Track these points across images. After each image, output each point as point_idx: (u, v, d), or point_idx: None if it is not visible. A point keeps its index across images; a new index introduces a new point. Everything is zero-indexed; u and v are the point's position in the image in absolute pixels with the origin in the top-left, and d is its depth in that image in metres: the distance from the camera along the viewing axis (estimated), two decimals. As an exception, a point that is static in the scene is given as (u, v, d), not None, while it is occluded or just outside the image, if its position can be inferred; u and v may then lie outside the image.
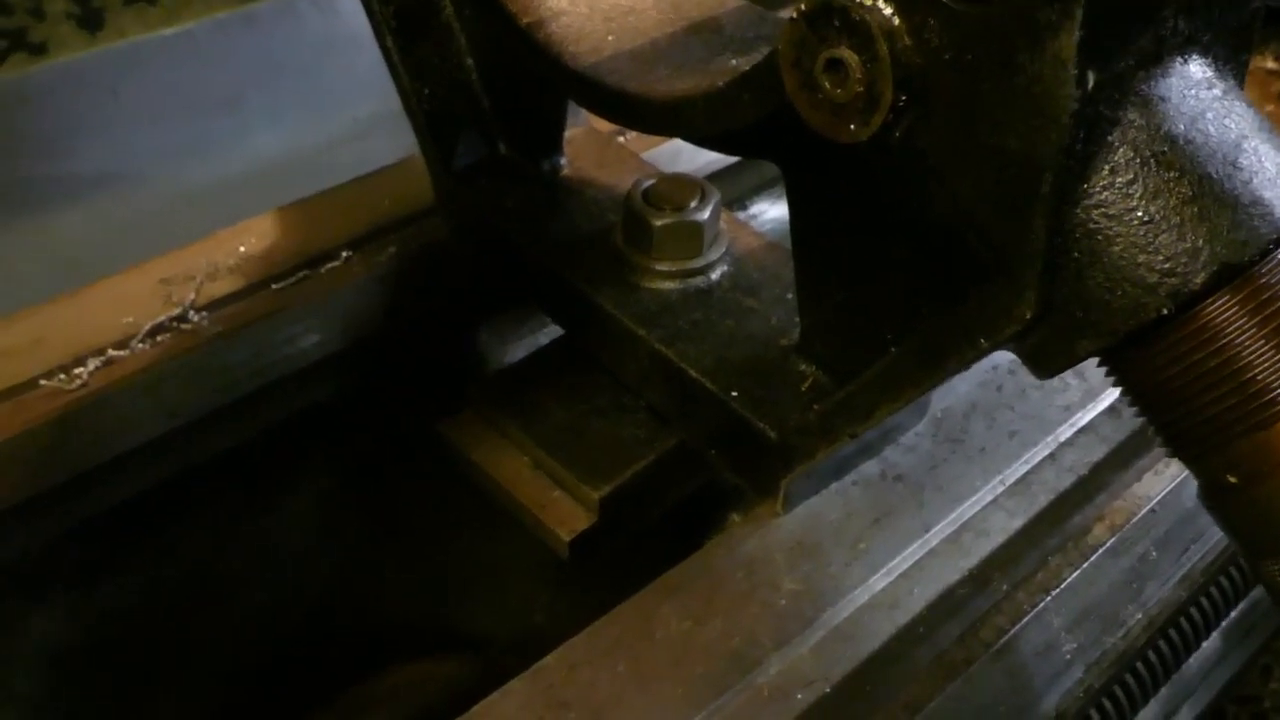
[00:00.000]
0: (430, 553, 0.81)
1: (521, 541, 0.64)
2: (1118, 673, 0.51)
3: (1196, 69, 0.36)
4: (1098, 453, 0.56)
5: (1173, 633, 0.55)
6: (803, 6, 0.38)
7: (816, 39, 0.38)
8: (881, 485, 0.56)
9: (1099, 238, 0.35)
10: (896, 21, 0.36)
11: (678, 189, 0.60)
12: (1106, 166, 0.35)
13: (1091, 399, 0.59)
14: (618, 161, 0.67)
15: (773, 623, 0.50)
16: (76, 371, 0.61)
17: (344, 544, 0.80)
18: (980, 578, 0.51)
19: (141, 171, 1.21)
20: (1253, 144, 0.36)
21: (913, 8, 0.36)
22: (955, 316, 0.41)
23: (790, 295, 0.56)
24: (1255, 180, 0.35)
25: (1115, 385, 0.40)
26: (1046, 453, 0.57)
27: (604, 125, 0.69)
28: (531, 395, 0.64)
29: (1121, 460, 0.56)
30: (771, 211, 0.85)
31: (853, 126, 0.39)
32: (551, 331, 0.71)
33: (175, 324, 0.64)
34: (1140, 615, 0.51)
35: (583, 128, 0.69)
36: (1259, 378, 0.35)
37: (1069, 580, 0.50)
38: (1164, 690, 0.58)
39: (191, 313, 0.64)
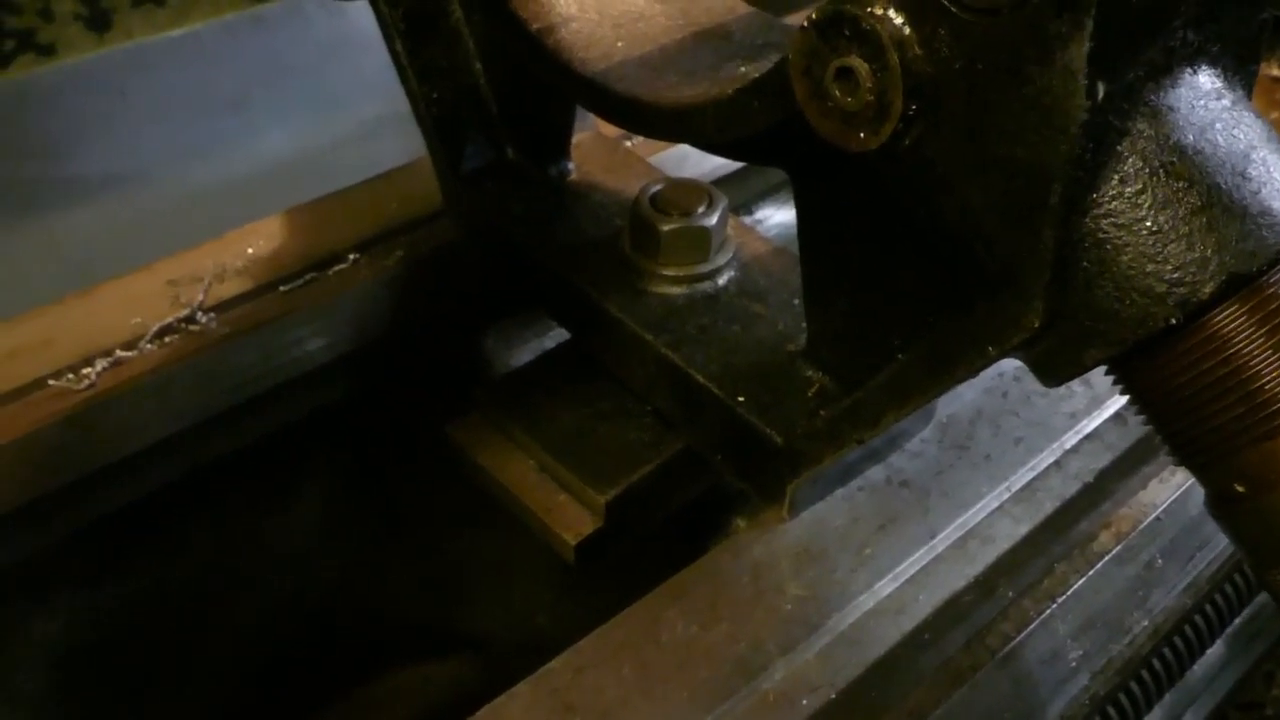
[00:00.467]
0: (435, 554, 0.82)
1: (527, 543, 0.64)
2: (1123, 680, 0.51)
3: (1205, 80, 0.36)
4: (1103, 460, 0.56)
5: (1177, 640, 0.55)
6: (814, 15, 0.39)
7: (827, 48, 0.39)
8: (887, 491, 0.56)
9: (1108, 247, 0.36)
10: (907, 31, 0.36)
11: (685, 194, 0.60)
12: (1116, 176, 0.35)
13: (1097, 406, 0.59)
14: (625, 166, 0.68)
15: (778, 628, 0.50)
16: (85, 372, 0.61)
17: (349, 545, 0.80)
18: (986, 584, 0.51)
19: (148, 172, 1.22)
20: (1261, 154, 0.36)
21: (923, 17, 0.36)
22: (963, 324, 0.41)
23: (797, 301, 0.56)
24: (1264, 191, 0.35)
25: (1123, 394, 0.40)
26: (1052, 460, 0.57)
27: (611, 130, 0.69)
28: (538, 399, 0.64)
29: (1127, 468, 0.56)
30: (777, 216, 0.85)
31: (862, 135, 0.39)
32: (558, 335, 0.72)
33: (183, 325, 0.64)
34: (1146, 623, 0.51)
35: (590, 132, 0.69)
36: (1267, 387, 0.35)
37: (1075, 587, 0.50)
38: (1168, 697, 0.58)
39: (199, 314, 0.65)
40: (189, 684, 0.74)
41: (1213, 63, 0.36)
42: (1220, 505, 0.38)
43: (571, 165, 0.68)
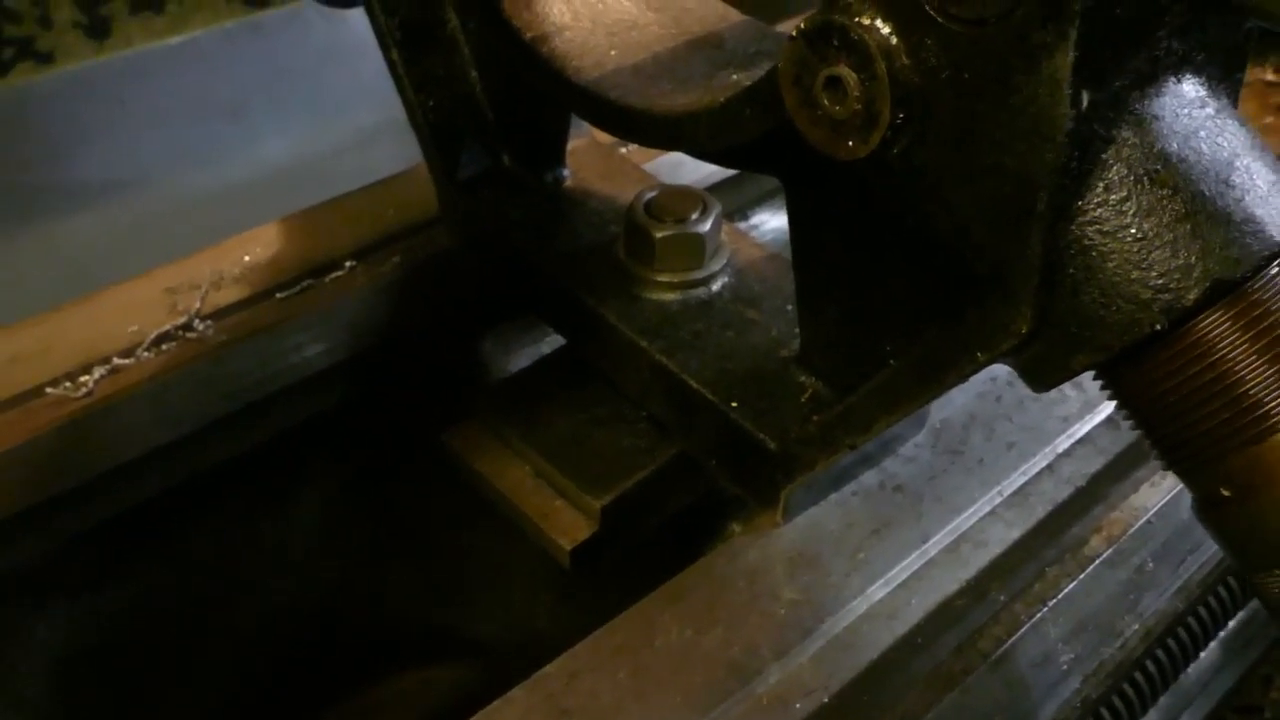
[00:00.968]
0: (434, 559, 0.82)
1: (525, 547, 0.64)
2: (1115, 683, 0.51)
3: (1190, 88, 0.37)
4: (1095, 464, 0.57)
5: (1170, 643, 0.55)
6: (803, 25, 0.39)
7: (816, 57, 0.39)
8: (881, 496, 0.56)
9: (1094, 254, 0.36)
10: (895, 41, 0.37)
11: (679, 201, 0.60)
12: (1101, 184, 0.36)
13: (1089, 410, 0.59)
14: (620, 173, 0.68)
15: (772, 632, 0.50)
16: (83, 379, 0.62)
17: (349, 550, 0.80)
18: (978, 589, 0.51)
19: (147, 178, 1.22)
20: (1245, 162, 0.36)
21: (910, 28, 0.36)
22: (953, 331, 0.41)
23: (791, 307, 0.57)
24: (1247, 198, 0.36)
25: (1111, 399, 0.40)
26: (1044, 464, 0.57)
27: (606, 137, 0.69)
28: (534, 405, 0.64)
29: (1119, 472, 0.56)
30: (772, 222, 0.86)
31: (851, 143, 0.39)
32: (554, 341, 0.72)
33: (181, 332, 0.65)
34: (1137, 626, 0.52)
35: (585, 139, 0.70)
36: (1252, 393, 0.36)
37: (1066, 591, 0.50)
38: (1163, 699, 0.58)
39: (197, 321, 0.65)
40: (189, 688, 0.74)
41: (1198, 71, 0.37)
42: (1207, 509, 0.39)
43: (567, 172, 0.68)
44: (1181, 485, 0.40)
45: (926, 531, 0.54)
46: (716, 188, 0.76)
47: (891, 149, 0.39)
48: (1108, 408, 0.59)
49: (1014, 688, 0.49)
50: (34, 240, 1.15)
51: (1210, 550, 0.57)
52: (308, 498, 0.75)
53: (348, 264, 0.70)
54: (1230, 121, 0.37)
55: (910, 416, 0.57)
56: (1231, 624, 0.64)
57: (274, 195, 1.31)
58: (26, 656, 0.68)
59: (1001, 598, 0.50)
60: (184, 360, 0.63)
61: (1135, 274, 0.35)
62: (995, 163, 0.36)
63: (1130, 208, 0.35)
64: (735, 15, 0.57)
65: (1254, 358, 0.36)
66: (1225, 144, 0.36)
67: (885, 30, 0.37)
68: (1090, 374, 0.40)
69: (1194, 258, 0.35)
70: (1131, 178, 0.35)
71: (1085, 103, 0.34)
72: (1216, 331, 0.36)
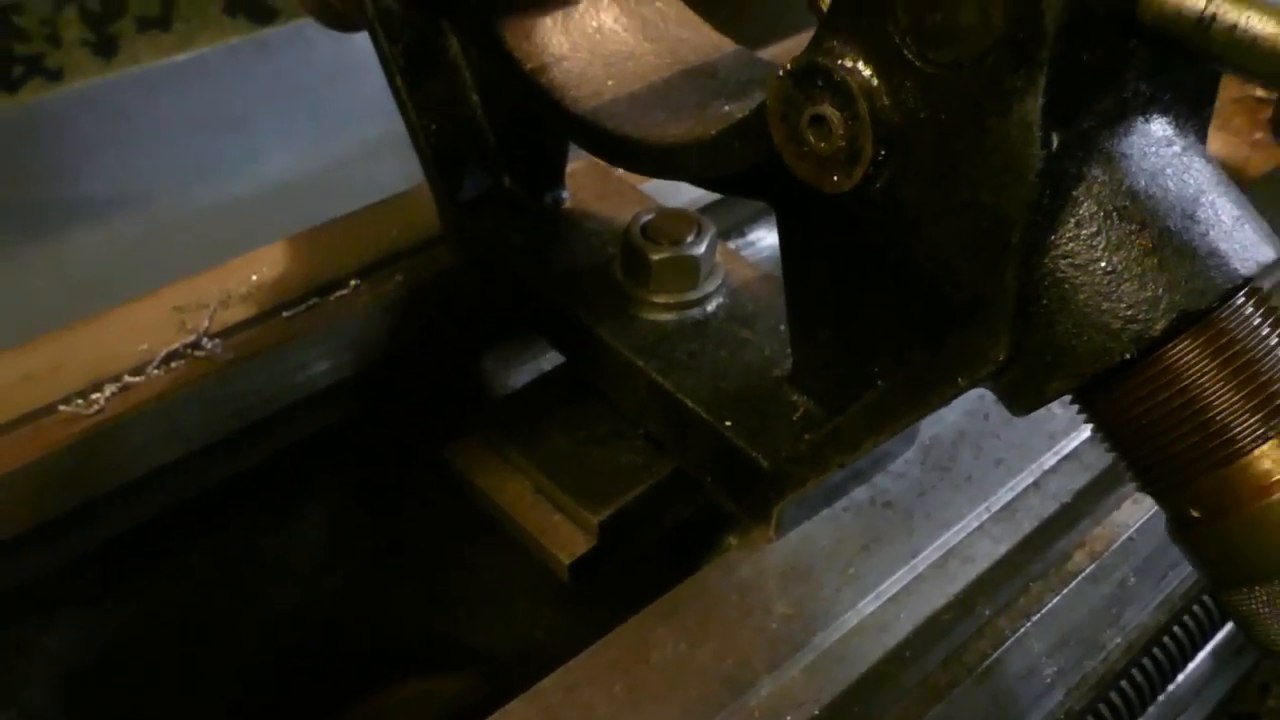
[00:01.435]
0: (436, 571, 0.84)
1: (525, 561, 0.66)
2: (1098, 695, 0.53)
3: (1158, 127, 0.38)
4: (1080, 480, 0.58)
5: (1156, 653, 0.57)
6: (789, 65, 0.41)
7: (802, 96, 0.41)
8: (871, 511, 0.58)
9: (1066, 286, 0.38)
10: (875, 82, 0.39)
11: (675, 224, 0.62)
12: (1072, 220, 0.37)
13: (1076, 427, 0.61)
14: (618, 194, 0.70)
15: (765, 645, 0.52)
16: (94, 397, 0.64)
17: (352, 563, 0.82)
18: (965, 603, 0.53)
19: (153, 193, 1.24)
20: (1210, 198, 0.38)
21: (890, 70, 0.38)
22: (935, 356, 0.43)
23: (783, 326, 0.58)
24: (1212, 233, 0.37)
25: (1086, 422, 0.42)
26: (1031, 480, 0.59)
27: (605, 159, 0.71)
28: (533, 421, 0.66)
29: (1103, 487, 0.58)
30: (769, 239, 0.87)
31: (836, 178, 0.41)
32: (554, 358, 0.74)
33: (189, 351, 0.67)
34: (1119, 640, 0.53)
35: (584, 161, 0.72)
36: (1219, 418, 0.37)
37: (1050, 605, 0.52)
38: (1151, 710, 0.60)
39: (205, 340, 0.67)
40: (193, 696, 0.76)
41: (1165, 110, 0.39)
42: (1179, 530, 0.40)
43: (566, 193, 0.70)
44: (1159, 503, 0.42)
45: (916, 547, 0.56)
46: (713, 206, 0.78)
47: (874, 184, 0.41)
48: (1091, 426, 0.62)
49: (999, 700, 0.50)
50: (42, 254, 1.18)
51: (1190, 565, 0.58)
52: (312, 512, 0.77)
53: (352, 283, 0.72)
54: (1196, 159, 0.39)
55: (900, 434, 0.59)
56: (1221, 634, 0.66)
57: (278, 209, 1.34)
58: (35, 668, 0.70)
59: (987, 612, 0.52)
60: (193, 378, 0.65)
61: (1105, 305, 0.37)
62: (972, 199, 0.38)
63: (1100, 242, 0.37)
64: (728, 45, 0.59)
65: (1220, 385, 0.37)
66: (1191, 180, 0.38)
67: (866, 72, 0.39)
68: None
69: (1161, 290, 0.37)
70: (1101, 214, 0.37)
71: (1055, 143, 0.36)
72: (1184, 360, 0.37)
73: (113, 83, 1.18)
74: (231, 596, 0.75)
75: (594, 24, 0.59)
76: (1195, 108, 0.40)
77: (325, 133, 1.29)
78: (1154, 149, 0.38)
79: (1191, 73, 0.39)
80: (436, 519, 0.80)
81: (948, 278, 0.41)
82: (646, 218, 0.63)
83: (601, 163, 0.72)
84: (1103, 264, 0.37)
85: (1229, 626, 0.66)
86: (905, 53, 0.37)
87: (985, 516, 0.57)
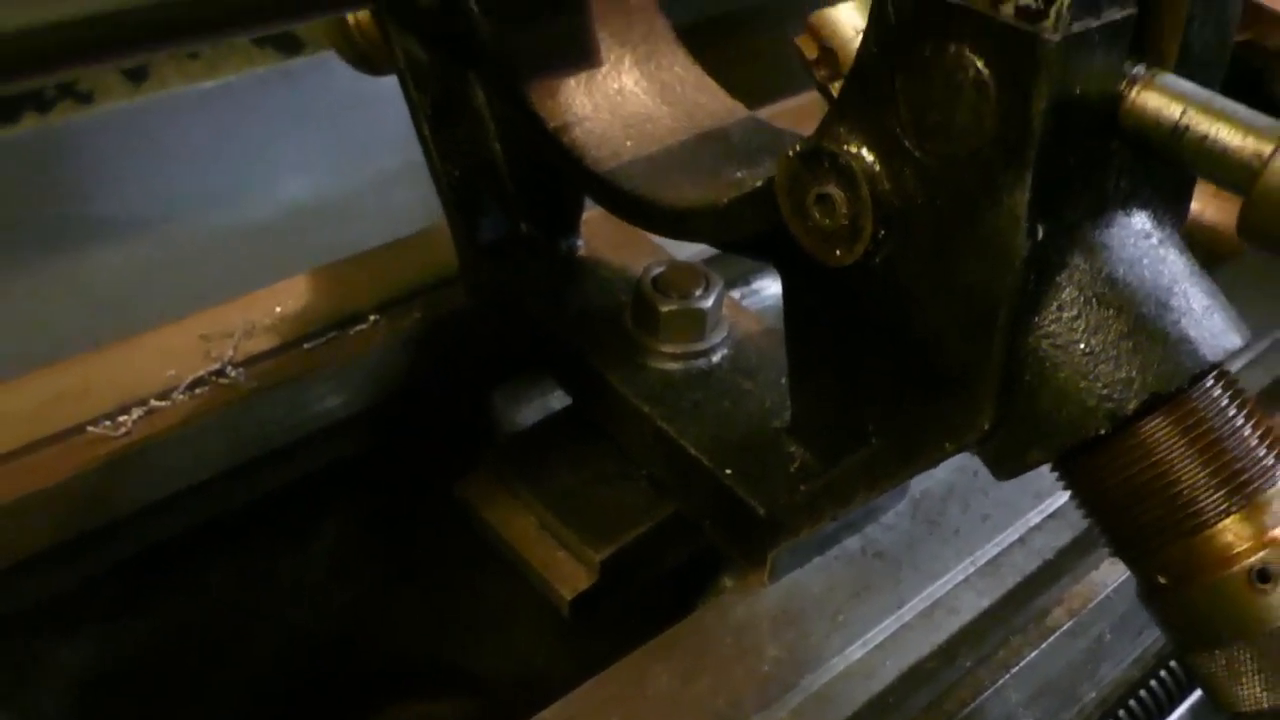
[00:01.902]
0: (442, 599, 0.87)
1: (527, 591, 0.69)
2: (1071, 746, 0.56)
3: (1137, 220, 0.42)
4: (1064, 538, 0.61)
5: (1132, 704, 0.60)
6: (799, 146, 0.44)
7: (809, 175, 0.44)
8: (862, 561, 0.61)
9: (1048, 364, 0.41)
10: (877, 168, 0.42)
11: (684, 277, 0.66)
12: (1055, 303, 0.41)
13: (1060, 486, 0.64)
14: (631, 243, 0.73)
15: (756, 686, 0.55)
16: (121, 419, 0.67)
17: (362, 589, 0.85)
18: (948, 652, 0.56)
19: (175, 215, 1.28)
20: (1183, 287, 0.41)
21: (891, 158, 0.41)
22: (926, 419, 0.46)
23: (784, 379, 0.61)
24: (1183, 320, 0.41)
25: (1065, 489, 0.45)
26: (1016, 536, 0.62)
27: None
28: (541, 459, 0.69)
29: (1084, 546, 0.61)
30: (773, 288, 0.91)
31: (838, 252, 0.45)
32: (562, 397, 0.77)
33: (214, 378, 0.70)
34: (1094, 694, 0.56)
35: (600, 210, 0.75)
36: (1185, 492, 0.41)
37: (1029, 659, 0.55)
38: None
39: (229, 368, 0.70)
40: (203, 712, 0.79)
41: (1144, 205, 0.42)
42: (1148, 594, 0.43)
43: (581, 241, 0.74)
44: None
45: (903, 597, 0.59)
46: (721, 256, 0.81)
47: (874, 259, 0.44)
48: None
49: (975, 747, 0.53)
50: (65, 272, 1.21)
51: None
52: (325, 539, 0.80)
53: (371, 317, 0.75)
54: (1172, 250, 0.42)
55: (895, 489, 0.62)
56: (1198, 693, 0.69)
57: (295, 234, 1.37)
58: (51, 680, 0.73)
59: (968, 663, 0.55)
60: (217, 405, 0.68)
61: (1083, 383, 0.40)
62: (963, 280, 0.41)
63: (1080, 325, 0.40)
64: (742, 111, 0.62)
65: (1187, 461, 0.40)
66: (1166, 270, 0.41)
67: (869, 158, 0.42)
68: (1050, 463, 0.45)
69: (1134, 371, 0.40)
70: (1082, 299, 0.40)
71: (1040, 233, 0.39)
72: (1154, 437, 0.41)
73: (140, 106, 1.22)
74: (245, 616, 0.78)
75: (616, 86, 0.63)
76: (1173, 202, 0.43)
77: (344, 161, 1.33)
78: (1133, 240, 0.41)
79: (1170, 172, 0.42)
80: (445, 548, 0.83)
81: (939, 349, 0.44)
82: (658, 270, 0.66)
83: (616, 213, 0.76)
84: (1082, 345, 0.40)
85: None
86: (905, 143, 0.41)
87: (971, 570, 0.60)
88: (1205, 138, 0.37)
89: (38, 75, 0.40)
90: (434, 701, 0.89)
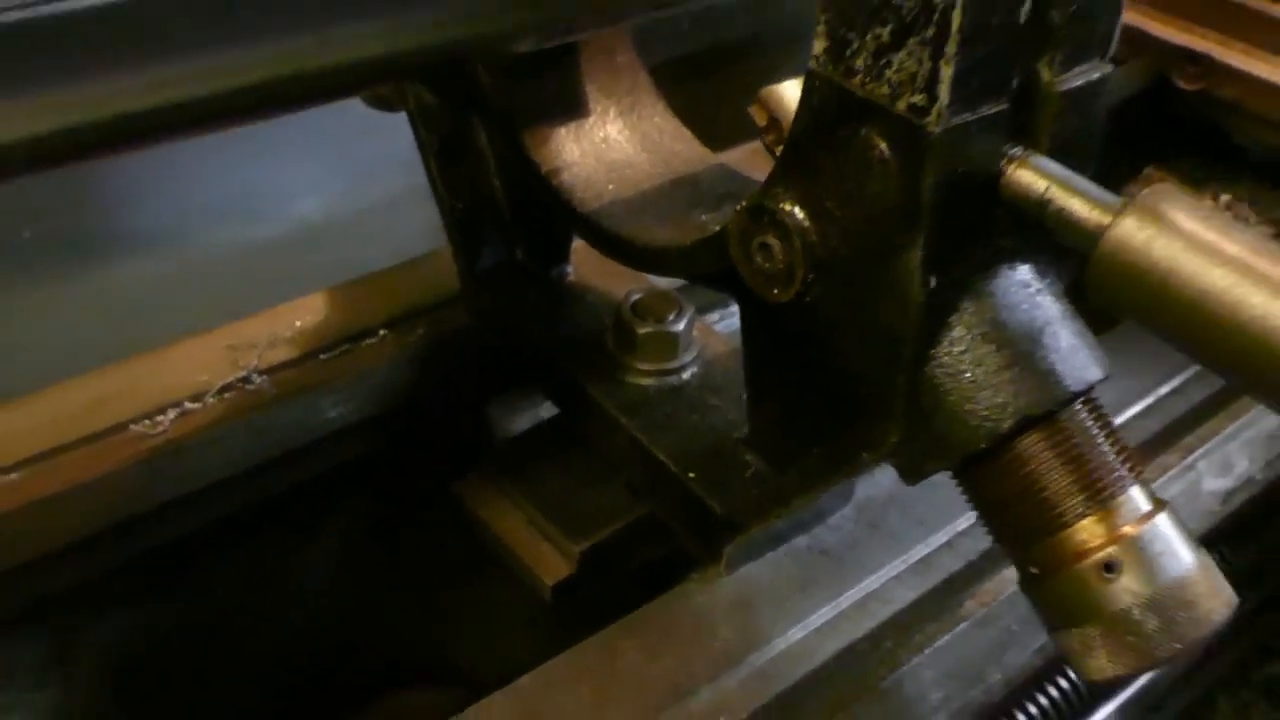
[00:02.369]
0: (434, 596, 0.96)
1: (514, 590, 0.79)
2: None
3: (1020, 272, 0.52)
4: (985, 542, 0.71)
5: (1037, 693, 0.69)
6: (745, 203, 0.54)
7: (754, 227, 0.54)
8: (808, 557, 0.71)
9: (941, 390, 0.51)
10: (807, 224, 0.52)
11: (660, 303, 0.76)
12: (947, 340, 0.51)
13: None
14: (614, 272, 0.83)
15: (709, 662, 0.65)
16: (159, 419, 0.77)
17: (361, 584, 0.95)
18: (876, 637, 0.66)
19: (195, 231, 1.38)
20: (1054, 329, 0.51)
21: (818, 217, 0.52)
22: (850, 434, 0.56)
23: (745, 396, 0.72)
24: (1052, 356, 0.50)
25: (962, 494, 0.55)
26: (945, 539, 0.72)
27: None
28: (530, 463, 0.79)
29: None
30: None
31: (776, 290, 0.55)
32: (551, 408, 0.87)
33: (240, 384, 0.80)
34: (1000, 675, 0.66)
35: (588, 241, 0.85)
36: (1050, 497, 0.50)
37: (941, 642, 0.65)
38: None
39: (254, 375, 0.80)
40: (216, 693, 0.89)
41: (1028, 259, 0.52)
42: (1025, 583, 0.53)
43: (570, 268, 0.84)
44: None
45: (842, 589, 0.69)
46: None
47: (805, 298, 0.54)
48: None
49: (890, 715, 0.63)
50: (87, 284, 1.31)
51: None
52: (330, 535, 0.90)
53: (380, 332, 0.85)
54: (1049, 298, 0.52)
55: (840, 493, 0.72)
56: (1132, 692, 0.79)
57: (306, 251, 1.48)
58: (88, 656, 0.83)
59: (890, 645, 0.65)
60: (243, 408, 0.78)
61: (969, 406, 0.50)
62: (873, 320, 0.51)
63: (967, 358, 0.50)
64: (711, 159, 0.73)
65: (1052, 472, 0.50)
66: (1041, 315, 0.51)
67: (801, 216, 0.52)
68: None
69: (1009, 397, 0.50)
70: (969, 337, 0.50)
71: (933, 284, 0.49)
72: (1026, 453, 0.50)
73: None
74: (257, 602, 0.88)
75: (601, 135, 0.73)
76: (1056, 257, 0.53)
77: (355, 183, 1.43)
78: (1015, 289, 0.51)
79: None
80: (439, 548, 0.93)
81: (857, 375, 0.54)
82: (636, 296, 0.76)
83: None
84: (968, 375, 0.50)
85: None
86: (829, 205, 0.51)
87: (903, 567, 0.70)
88: (1062, 210, 0.47)
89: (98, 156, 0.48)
90: (424, 692, 0.98)
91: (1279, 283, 0.42)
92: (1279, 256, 0.43)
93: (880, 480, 0.75)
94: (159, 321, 0.91)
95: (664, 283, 0.83)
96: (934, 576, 0.70)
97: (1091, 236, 0.46)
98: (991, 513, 0.53)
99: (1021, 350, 0.50)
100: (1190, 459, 0.77)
